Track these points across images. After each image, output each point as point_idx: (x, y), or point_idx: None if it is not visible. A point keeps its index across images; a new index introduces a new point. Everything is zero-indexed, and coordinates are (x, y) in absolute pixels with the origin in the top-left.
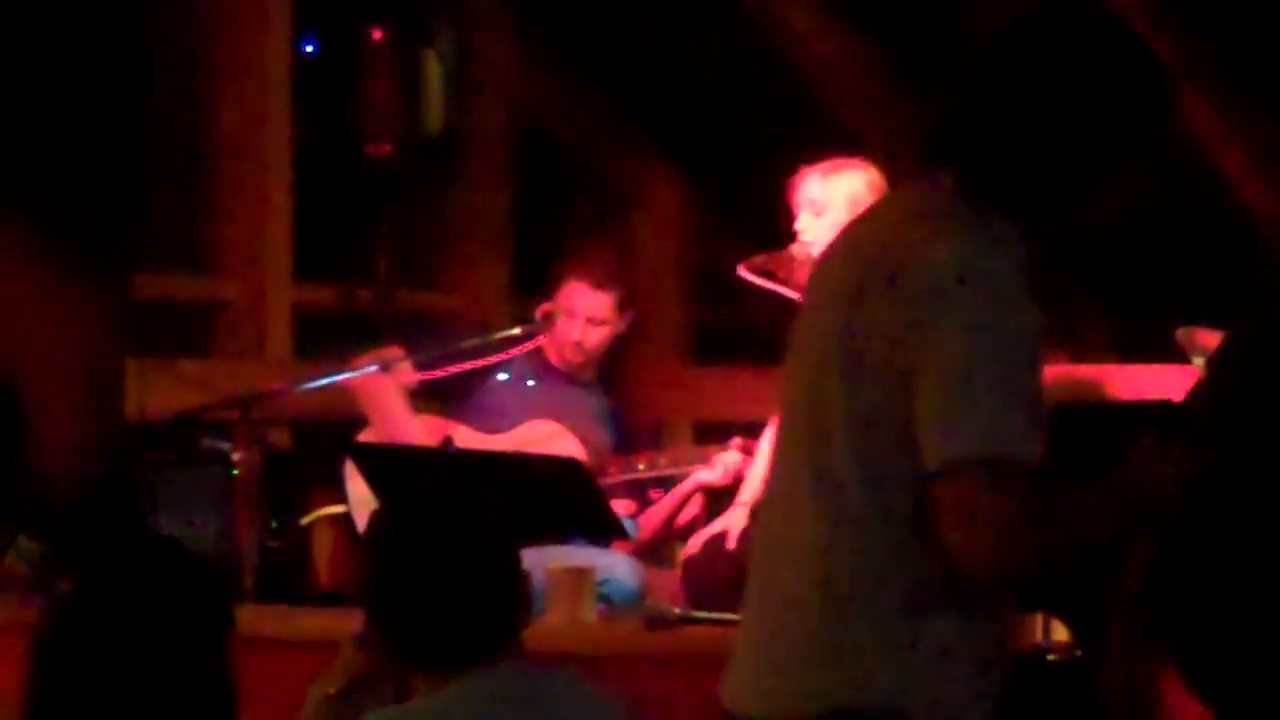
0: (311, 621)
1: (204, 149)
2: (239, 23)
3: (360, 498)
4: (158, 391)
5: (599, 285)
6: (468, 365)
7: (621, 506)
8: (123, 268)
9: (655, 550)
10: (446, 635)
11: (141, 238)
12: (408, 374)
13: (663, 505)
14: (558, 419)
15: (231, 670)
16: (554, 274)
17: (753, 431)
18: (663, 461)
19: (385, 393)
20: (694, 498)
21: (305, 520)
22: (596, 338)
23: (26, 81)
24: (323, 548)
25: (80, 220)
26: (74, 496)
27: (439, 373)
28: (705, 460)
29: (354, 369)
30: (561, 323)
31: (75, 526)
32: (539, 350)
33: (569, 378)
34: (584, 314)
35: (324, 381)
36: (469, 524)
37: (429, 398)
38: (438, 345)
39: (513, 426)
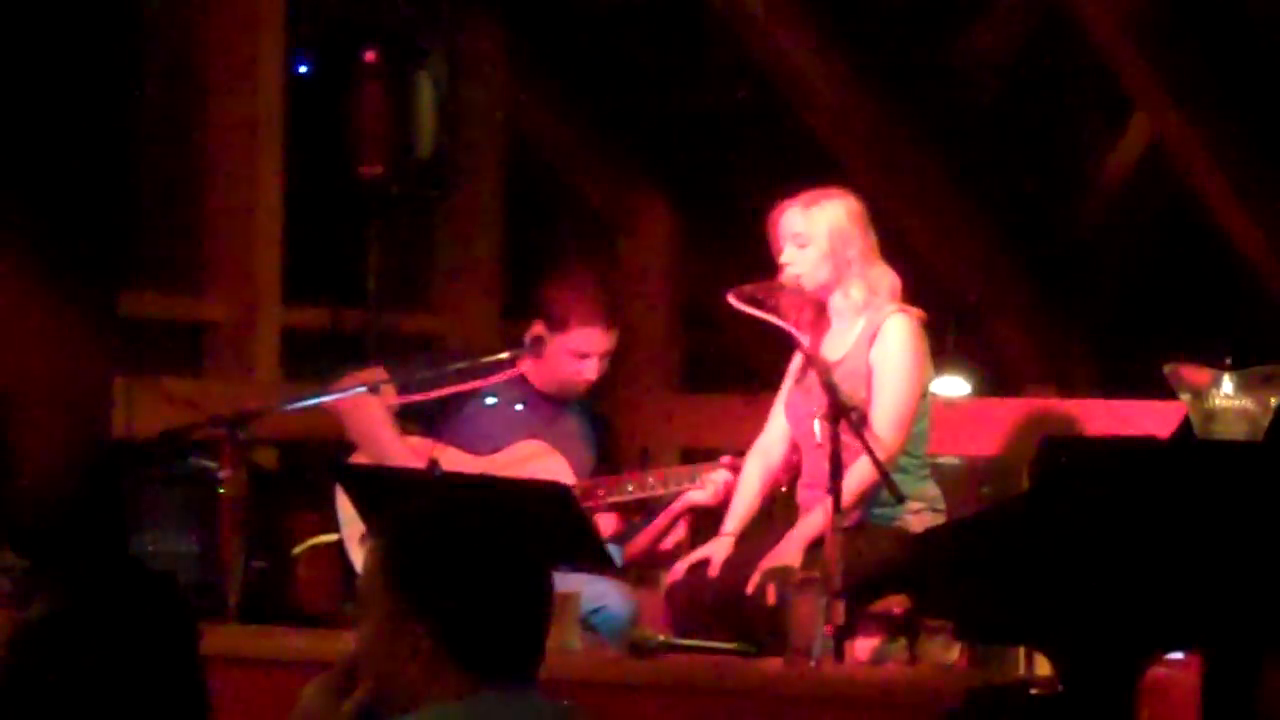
0: (294, 642)
1: (195, 168)
2: (232, 43)
3: (350, 517)
4: (145, 410)
5: (610, 325)
6: (452, 388)
7: (607, 523)
8: (112, 285)
9: (640, 572)
10: (511, 644)
11: (131, 256)
12: (391, 396)
13: (652, 525)
14: (549, 441)
15: (204, 689)
16: (551, 311)
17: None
18: (650, 482)
19: (370, 414)
20: (681, 521)
21: (296, 551)
22: (603, 369)
23: (17, 98)
24: (308, 569)
25: (70, 237)
26: (58, 513)
27: (422, 395)
28: (693, 480)
29: (342, 390)
30: (573, 365)
31: (59, 543)
32: (521, 374)
33: (555, 400)
34: (598, 354)
35: (311, 402)
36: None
37: (412, 420)
38: (422, 368)
39: (498, 449)
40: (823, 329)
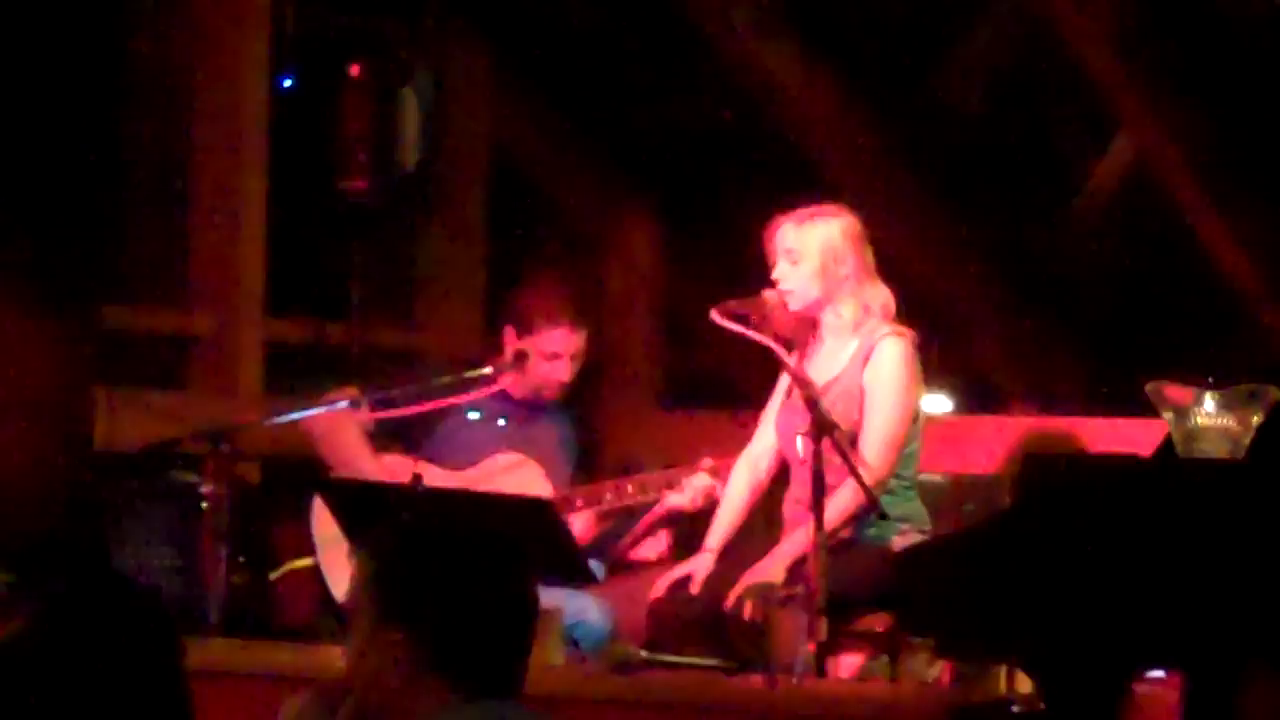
0: (277, 656)
1: (179, 181)
2: (217, 56)
3: (325, 536)
4: (127, 423)
5: (577, 324)
6: (427, 405)
7: (581, 523)
8: (95, 298)
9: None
10: (493, 657)
11: (115, 269)
12: (366, 414)
13: (632, 531)
14: (526, 452)
15: (187, 704)
16: (518, 315)
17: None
18: (630, 489)
19: (344, 435)
20: (664, 532)
21: (274, 576)
22: (576, 369)
23: (3, 113)
24: (287, 585)
25: (53, 250)
26: (40, 526)
27: (399, 412)
28: (672, 485)
29: (325, 404)
30: (544, 367)
31: (41, 556)
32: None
33: (532, 409)
34: (568, 354)
35: (295, 416)
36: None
37: (390, 437)
38: (396, 385)
39: (475, 462)
40: (814, 346)
